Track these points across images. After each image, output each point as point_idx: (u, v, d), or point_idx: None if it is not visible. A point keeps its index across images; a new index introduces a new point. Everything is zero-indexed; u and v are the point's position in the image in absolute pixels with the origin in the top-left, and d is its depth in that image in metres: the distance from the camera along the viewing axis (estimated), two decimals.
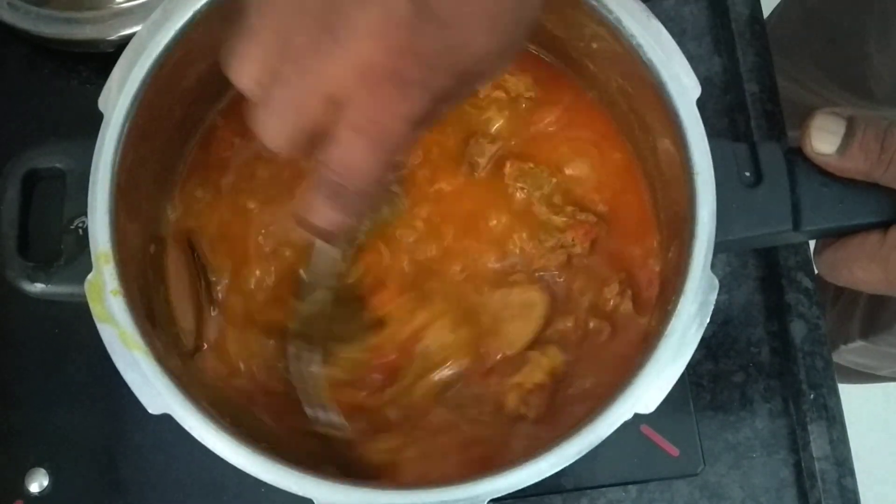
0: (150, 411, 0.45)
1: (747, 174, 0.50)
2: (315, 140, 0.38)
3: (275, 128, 0.38)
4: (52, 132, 0.67)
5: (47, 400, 0.62)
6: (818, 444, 0.64)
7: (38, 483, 0.60)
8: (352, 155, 0.37)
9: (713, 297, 0.46)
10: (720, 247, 0.47)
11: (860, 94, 0.96)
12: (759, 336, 0.68)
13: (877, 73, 0.89)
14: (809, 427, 0.64)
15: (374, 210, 0.52)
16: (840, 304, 1.09)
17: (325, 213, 0.39)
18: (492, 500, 0.62)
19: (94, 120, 0.49)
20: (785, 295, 0.67)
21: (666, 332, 0.46)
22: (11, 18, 0.67)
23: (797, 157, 0.50)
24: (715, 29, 0.74)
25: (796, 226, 0.49)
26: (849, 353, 1.09)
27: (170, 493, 0.61)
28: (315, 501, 0.44)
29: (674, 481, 0.64)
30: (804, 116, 1.04)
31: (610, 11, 0.50)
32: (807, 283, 0.67)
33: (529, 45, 0.59)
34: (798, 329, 0.66)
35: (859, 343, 1.03)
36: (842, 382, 1.23)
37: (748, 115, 0.70)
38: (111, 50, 0.67)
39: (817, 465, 0.64)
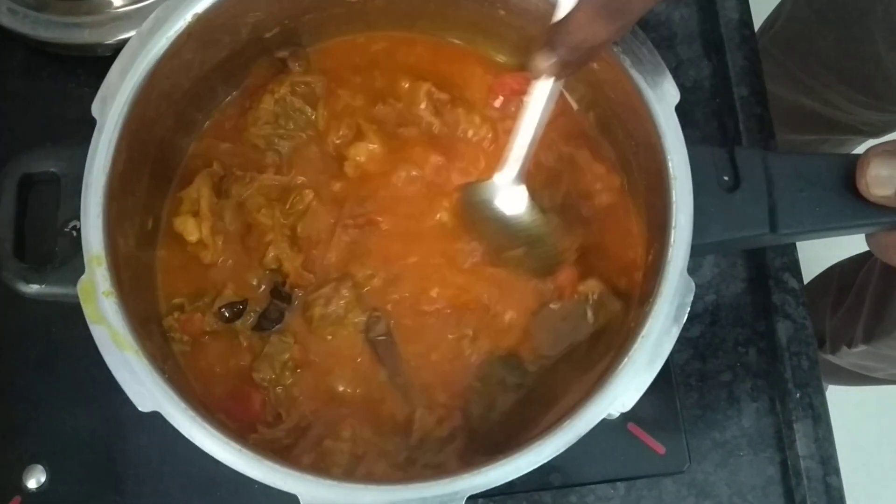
0: (139, 409, 0.46)
1: (726, 178, 0.51)
2: None
3: None
4: (49, 135, 0.68)
5: (45, 398, 0.63)
6: (804, 443, 0.65)
7: (35, 479, 0.61)
8: None
9: (689, 299, 0.47)
10: (698, 250, 0.48)
11: (869, 95, 0.96)
12: (746, 336, 0.69)
13: (885, 74, 0.89)
14: (795, 426, 0.65)
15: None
16: (844, 308, 1.09)
17: (593, 28, 0.42)
18: (484, 498, 0.64)
19: (92, 123, 0.50)
20: (772, 295, 0.68)
21: (643, 333, 0.46)
22: (10, 22, 0.68)
23: (775, 161, 0.51)
24: (705, 33, 0.75)
25: (773, 229, 0.50)
26: (850, 356, 1.09)
27: (165, 488, 0.62)
28: (300, 497, 0.45)
29: (662, 479, 0.65)
30: (802, 120, 1.04)
31: None
32: (794, 283, 0.68)
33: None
34: (785, 329, 0.67)
35: (862, 347, 1.03)
36: (838, 385, 1.25)
37: (737, 118, 0.71)
38: (109, 54, 0.68)
39: (803, 464, 0.65)
